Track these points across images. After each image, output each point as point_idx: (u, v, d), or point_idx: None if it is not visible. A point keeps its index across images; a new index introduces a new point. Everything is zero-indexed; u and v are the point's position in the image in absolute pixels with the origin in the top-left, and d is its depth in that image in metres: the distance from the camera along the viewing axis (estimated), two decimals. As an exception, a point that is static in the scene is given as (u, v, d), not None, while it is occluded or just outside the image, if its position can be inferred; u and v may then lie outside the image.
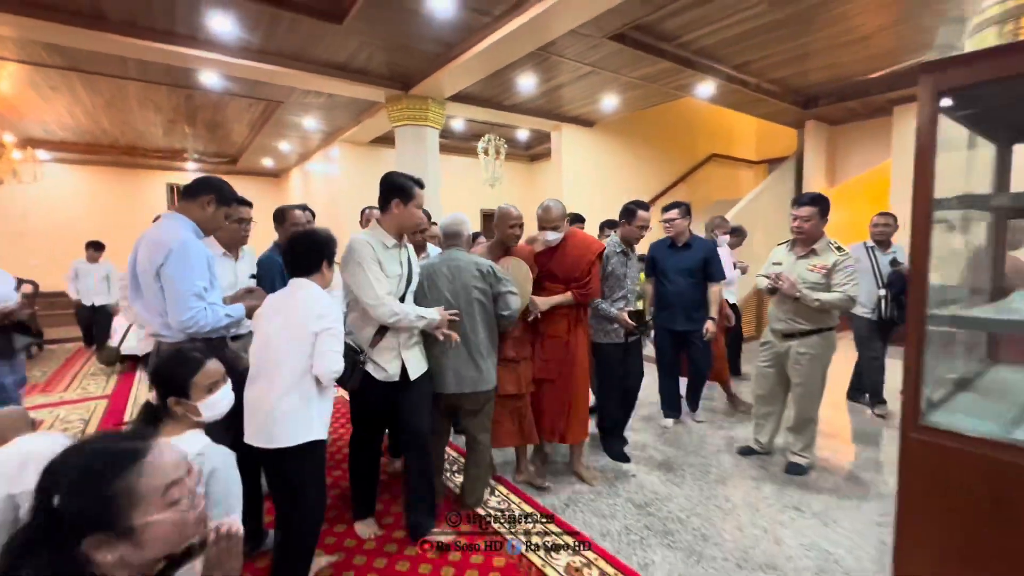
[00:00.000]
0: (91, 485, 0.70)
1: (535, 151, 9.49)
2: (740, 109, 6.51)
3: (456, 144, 8.50)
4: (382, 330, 2.03)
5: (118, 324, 5.47)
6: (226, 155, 9.62)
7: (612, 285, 2.85)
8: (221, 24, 3.85)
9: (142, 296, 1.98)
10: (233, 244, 2.36)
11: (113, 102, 6.19)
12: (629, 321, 2.73)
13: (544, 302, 2.53)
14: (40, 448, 1.16)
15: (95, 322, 5.91)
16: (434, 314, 2.07)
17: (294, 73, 4.72)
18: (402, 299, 2.06)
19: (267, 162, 10.04)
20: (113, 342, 5.40)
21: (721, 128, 8.80)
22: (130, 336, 5.33)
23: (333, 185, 8.13)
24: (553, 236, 2.60)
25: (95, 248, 5.74)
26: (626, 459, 2.90)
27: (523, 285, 2.46)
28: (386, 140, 7.47)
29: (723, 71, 5.27)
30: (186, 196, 2.03)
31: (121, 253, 6.18)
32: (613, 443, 2.94)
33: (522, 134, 8.42)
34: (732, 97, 5.94)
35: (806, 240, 2.69)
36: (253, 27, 3.96)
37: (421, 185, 2.11)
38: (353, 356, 1.92)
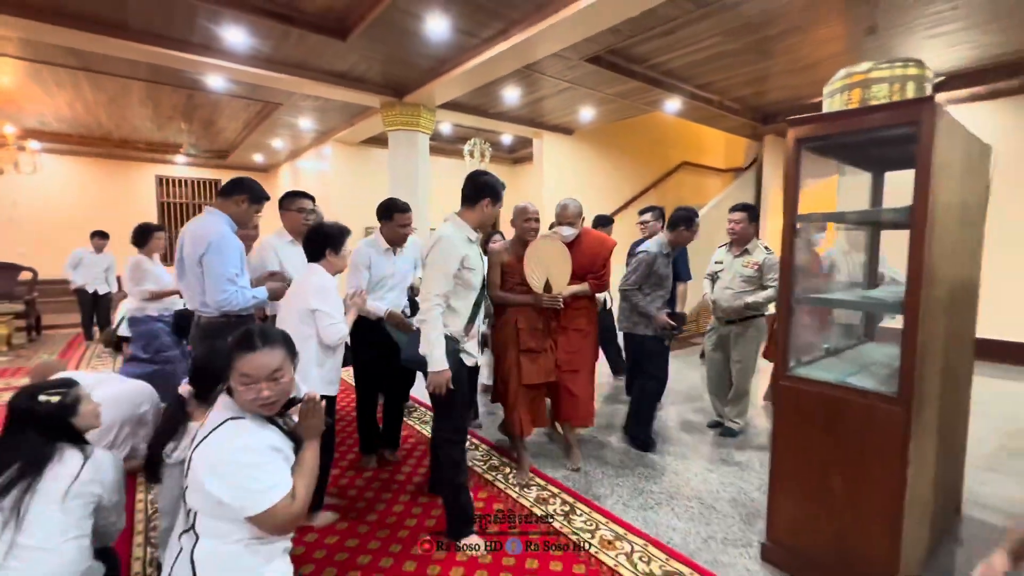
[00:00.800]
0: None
1: (518, 155, 9.99)
2: (704, 123, 7.13)
3: (443, 146, 8.95)
4: (471, 321, 2.17)
5: (123, 309, 5.77)
6: (218, 150, 9.86)
7: (654, 284, 3.05)
8: (235, 36, 4.24)
9: (186, 277, 2.42)
10: (297, 232, 2.72)
11: (116, 99, 6.47)
12: (669, 320, 2.97)
13: (569, 291, 2.72)
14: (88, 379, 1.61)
15: (96, 309, 6.16)
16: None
17: (297, 80, 5.13)
18: (482, 292, 2.22)
19: (257, 157, 10.31)
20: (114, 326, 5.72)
21: (691, 138, 9.44)
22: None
23: (325, 182, 8.49)
24: (569, 231, 2.78)
25: (100, 237, 5.98)
26: (653, 446, 3.10)
27: (560, 264, 2.62)
28: (377, 141, 7.87)
29: (688, 90, 5.86)
30: (223, 194, 2.46)
31: (111, 243, 6.47)
32: (640, 432, 3.15)
33: (506, 139, 8.91)
34: (697, 113, 6.55)
35: (739, 241, 3.25)
36: (264, 39, 4.36)
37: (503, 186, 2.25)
38: (453, 346, 2.08)
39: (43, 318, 6.94)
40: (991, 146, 2.19)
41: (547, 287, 2.60)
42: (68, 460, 1.43)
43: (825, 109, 1.87)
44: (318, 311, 2.09)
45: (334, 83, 5.30)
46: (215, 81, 5.56)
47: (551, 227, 3.86)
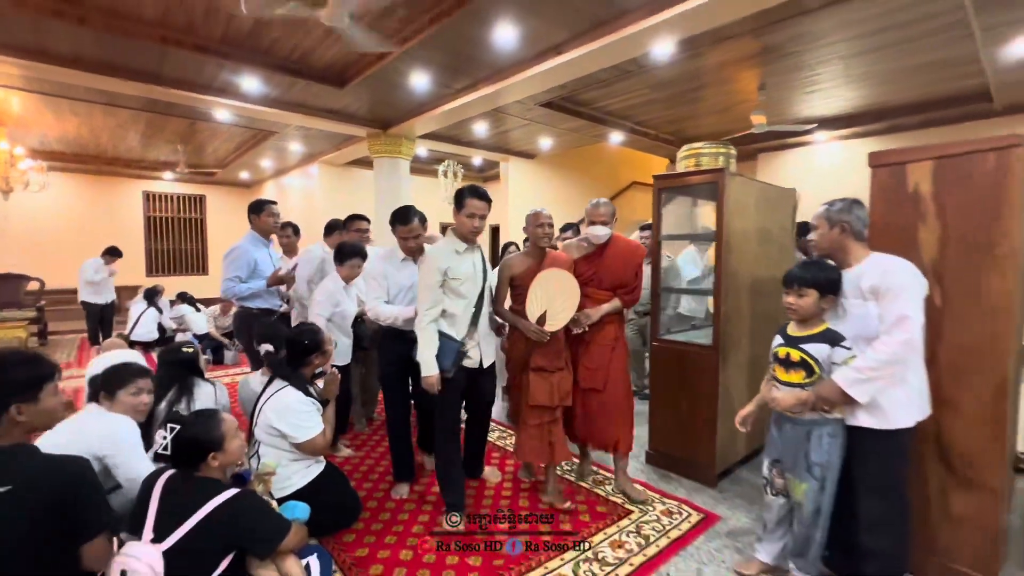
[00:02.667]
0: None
1: (487, 174, 11.03)
2: (645, 151, 8.36)
3: (421, 167, 9.90)
4: (473, 324, 2.31)
5: (132, 314, 6.44)
6: (206, 167, 10.52)
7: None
8: (251, 83, 5.12)
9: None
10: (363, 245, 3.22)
11: (124, 124, 7.18)
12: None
13: (596, 312, 2.48)
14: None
15: (103, 317, 6.77)
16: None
17: (296, 115, 6.02)
18: (481, 295, 2.33)
19: (243, 175, 11.00)
20: (124, 331, 6.41)
21: (640, 161, 10.68)
22: (140, 325, 6.35)
23: (312, 201, 9.31)
24: (604, 231, 2.53)
25: (111, 254, 6.61)
26: None
27: (564, 300, 2.35)
28: (361, 162, 8.77)
29: (628, 126, 7.03)
30: (252, 211, 3.40)
31: (87, 258, 7.13)
32: None
33: (477, 160, 9.94)
34: (638, 144, 7.74)
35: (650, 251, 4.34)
36: (275, 86, 5.25)
37: (477, 194, 2.26)
38: (456, 347, 2.23)
39: (53, 326, 7.49)
40: (794, 189, 3.33)
41: (542, 319, 2.34)
42: (203, 385, 2.33)
43: (678, 169, 2.95)
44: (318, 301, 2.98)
45: (327, 118, 6.21)
46: (222, 114, 6.38)
47: (574, 227, 4.29)
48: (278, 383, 2.19)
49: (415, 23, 3.94)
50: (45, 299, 7.38)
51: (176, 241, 11.57)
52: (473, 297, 2.30)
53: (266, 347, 2.62)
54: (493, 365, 2.52)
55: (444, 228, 11.16)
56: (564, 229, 4.67)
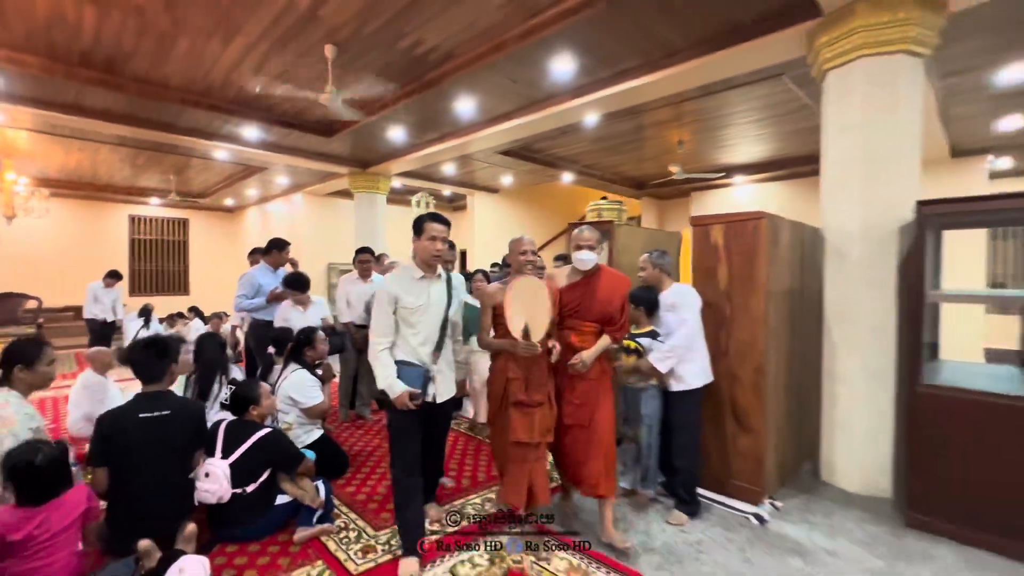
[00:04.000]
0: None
1: (456, 204, 12.07)
2: (596, 188, 9.55)
3: (396, 197, 10.83)
4: (437, 350, 2.30)
5: (129, 330, 7.09)
6: (194, 194, 11.23)
7: None
8: (251, 133, 6.04)
9: (251, 299, 4.22)
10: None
11: (125, 159, 7.94)
12: None
13: (591, 353, 2.34)
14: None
15: (104, 334, 7.36)
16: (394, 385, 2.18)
17: (287, 157, 6.94)
18: (443, 325, 2.31)
19: (228, 201, 11.75)
20: (124, 344, 7.06)
21: (595, 194, 11.92)
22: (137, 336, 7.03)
23: (295, 228, 10.13)
24: (589, 257, 2.42)
25: (112, 276, 7.25)
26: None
27: (538, 306, 2.25)
28: (343, 193, 9.68)
29: (577, 168, 8.19)
30: (275, 247, 4.32)
31: (87, 277, 7.85)
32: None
33: (447, 191, 10.98)
34: (587, 183, 8.92)
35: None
36: (272, 135, 6.18)
37: (436, 218, 2.29)
38: (422, 370, 2.23)
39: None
40: (679, 232, 4.42)
41: (527, 333, 2.23)
42: (232, 366, 3.20)
43: (587, 219, 4.00)
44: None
45: (314, 159, 7.15)
46: (221, 154, 7.24)
47: (565, 257, 5.04)
48: (292, 366, 3.09)
49: (393, 97, 4.96)
50: (43, 316, 7.92)
51: (159, 262, 12.14)
52: (431, 326, 2.27)
53: (271, 348, 3.50)
54: (449, 403, 2.43)
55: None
56: (557, 259, 5.19)
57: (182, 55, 4.20)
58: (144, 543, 1.92)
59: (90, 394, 3.87)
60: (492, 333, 2.44)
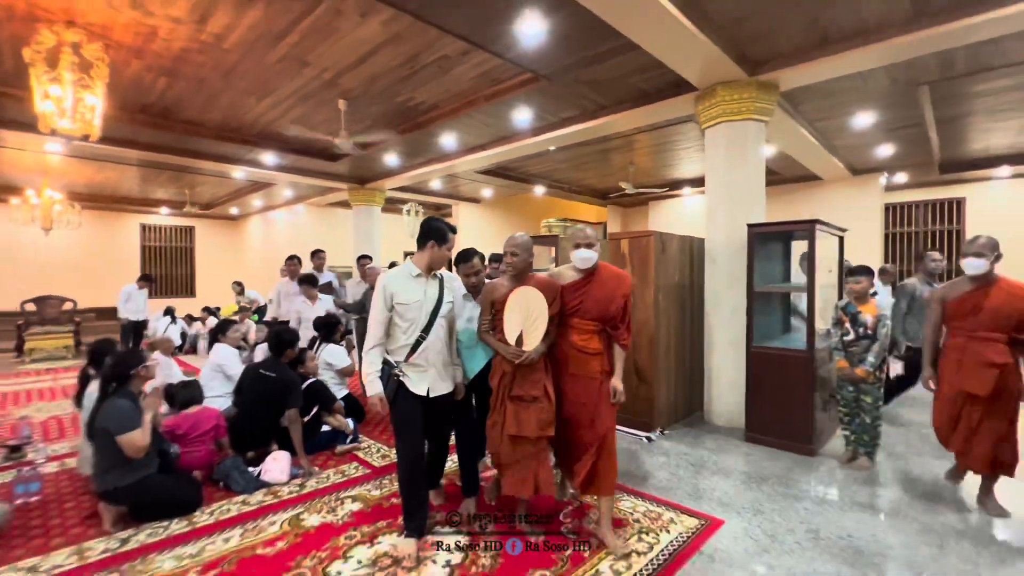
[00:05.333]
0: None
1: (443, 212, 13.25)
2: (567, 199, 10.82)
3: (387, 206, 12.01)
4: (413, 351, 2.33)
5: (158, 328, 8.17)
6: (202, 204, 12.27)
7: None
8: (269, 159, 7.19)
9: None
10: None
11: (149, 176, 9.01)
12: None
13: (618, 379, 2.41)
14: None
15: (135, 331, 8.40)
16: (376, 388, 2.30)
17: (296, 177, 8.09)
18: (430, 323, 2.34)
19: (233, 210, 12.80)
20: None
21: (566, 202, 13.22)
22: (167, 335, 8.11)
23: (298, 235, 11.25)
24: (588, 255, 2.40)
25: (144, 280, 8.31)
26: None
27: (533, 316, 2.32)
28: (342, 203, 10.82)
29: (547, 182, 9.45)
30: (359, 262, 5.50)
31: (103, 282, 9.03)
32: None
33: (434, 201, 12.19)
34: (557, 194, 10.19)
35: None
36: (286, 160, 7.34)
37: (454, 231, 2.43)
38: (388, 369, 2.32)
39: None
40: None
41: (520, 340, 2.33)
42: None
43: (540, 233, 5.25)
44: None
45: (318, 178, 8.31)
46: (238, 174, 8.37)
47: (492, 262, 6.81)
48: (326, 344, 4.29)
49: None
50: (78, 316, 8.96)
51: (168, 267, 13.15)
52: (418, 323, 2.33)
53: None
54: (450, 396, 2.49)
55: (407, 253, 13.36)
56: (491, 260, 6.72)
57: (224, 106, 5.36)
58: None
59: (160, 371, 5.01)
60: (492, 329, 2.49)
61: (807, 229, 3.70)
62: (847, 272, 3.58)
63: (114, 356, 2.80)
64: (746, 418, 3.97)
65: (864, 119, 5.51)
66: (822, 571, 2.23)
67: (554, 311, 2.38)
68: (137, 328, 8.35)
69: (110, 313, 10.60)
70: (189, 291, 13.41)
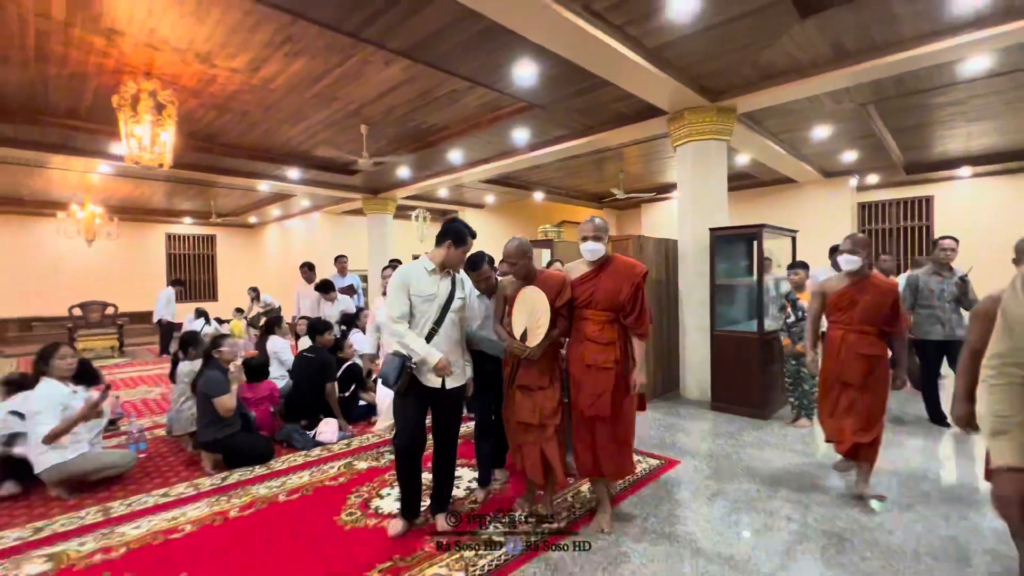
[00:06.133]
0: None
1: (449, 217, 14.07)
2: (562, 203, 11.59)
3: (397, 213, 12.81)
4: (427, 341, 2.43)
5: (194, 328, 8.97)
6: (224, 214, 13.11)
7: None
8: (294, 173, 7.99)
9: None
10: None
11: (180, 190, 9.84)
12: None
13: (639, 372, 2.46)
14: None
15: (171, 332, 9.20)
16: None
17: (316, 189, 8.89)
18: (441, 317, 2.43)
19: (252, 219, 13.65)
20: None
21: (564, 206, 13.97)
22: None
23: (314, 241, 12.06)
24: (596, 247, 2.47)
25: (178, 283, 9.14)
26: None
27: (536, 315, 2.44)
28: (355, 212, 11.63)
29: (546, 188, 10.22)
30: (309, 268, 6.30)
31: (135, 288, 9.91)
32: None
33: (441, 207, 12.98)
34: (555, 199, 10.97)
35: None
36: (308, 175, 8.14)
37: (474, 235, 2.54)
38: (403, 361, 2.36)
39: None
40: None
41: (524, 336, 2.47)
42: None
43: (539, 236, 6.01)
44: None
45: (336, 189, 9.12)
46: (263, 187, 9.18)
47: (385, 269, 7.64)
48: (355, 331, 5.08)
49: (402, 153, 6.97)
50: (119, 320, 9.81)
51: (191, 273, 14.01)
52: (430, 316, 2.42)
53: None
54: (462, 389, 2.58)
55: (415, 257, 14.12)
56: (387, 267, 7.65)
57: (260, 132, 6.16)
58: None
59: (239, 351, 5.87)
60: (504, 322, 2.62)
61: (756, 231, 4.45)
62: (787, 267, 4.32)
63: (209, 340, 3.61)
64: (712, 390, 4.72)
65: (823, 132, 6.25)
66: (744, 488, 3.00)
67: (562, 302, 2.48)
68: (173, 329, 9.17)
69: (142, 316, 11.50)
70: (212, 295, 14.25)
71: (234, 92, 4.88)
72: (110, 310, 9.70)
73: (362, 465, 3.42)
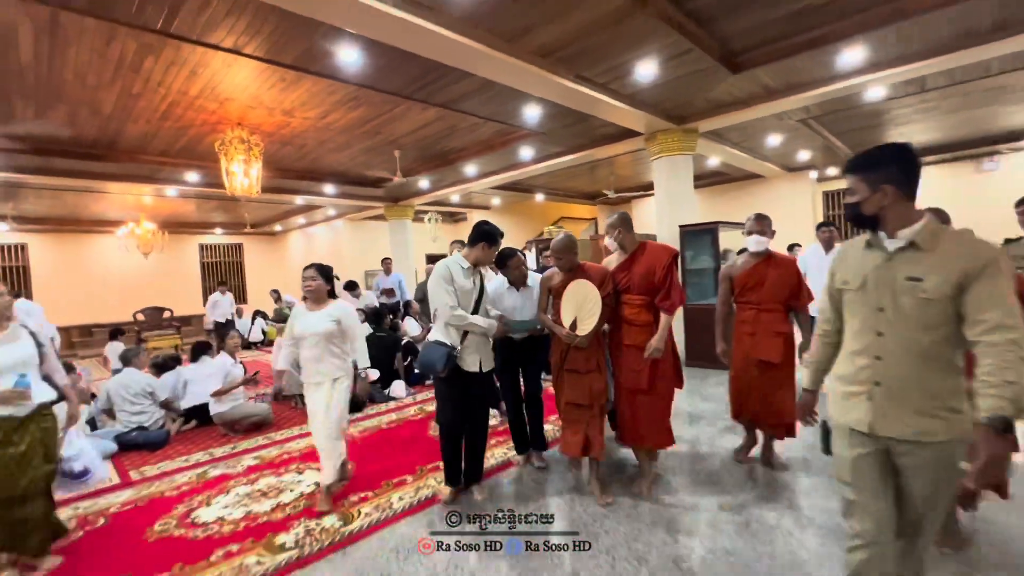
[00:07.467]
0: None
1: (458, 218, 15.36)
2: (561, 202, 12.89)
3: (413, 217, 14.14)
4: (464, 335, 2.70)
5: (243, 327, 10.28)
6: (256, 224, 14.35)
7: None
8: (330, 189, 9.27)
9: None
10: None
11: (219, 204, 11.10)
12: None
13: (658, 338, 2.62)
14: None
15: (224, 332, 10.46)
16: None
17: (345, 201, 10.18)
18: (475, 309, 2.74)
19: (277, 227, 14.92)
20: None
21: (563, 205, 15.27)
22: (252, 333, 10.25)
23: (338, 246, 13.35)
24: (610, 241, 2.84)
25: (223, 285, 10.43)
26: None
27: (587, 307, 2.62)
28: (377, 217, 12.92)
29: (546, 189, 11.52)
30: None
31: (176, 295, 11.26)
32: None
33: (451, 209, 14.27)
34: (555, 199, 12.27)
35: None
36: (338, 189, 9.42)
37: (502, 235, 2.89)
38: (447, 350, 2.64)
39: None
40: (601, 236, 7.75)
41: (574, 325, 2.66)
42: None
43: (546, 234, 7.32)
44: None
45: (361, 200, 10.40)
46: (299, 201, 10.46)
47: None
48: (407, 318, 6.40)
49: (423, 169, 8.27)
50: (176, 322, 11.14)
51: (223, 279, 15.29)
52: (468, 308, 2.70)
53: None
54: (491, 373, 2.91)
55: (429, 258, 15.48)
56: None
57: (311, 159, 7.45)
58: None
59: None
60: (549, 313, 2.89)
61: (713, 227, 5.78)
62: (736, 252, 5.65)
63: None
64: (686, 351, 6.06)
65: (776, 139, 7.55)
66: (701, 408, 4.35)
67: (606, 291, 2.69)
68: (225, 328, 10.45)
69: (187, 319, 12.79)
70: (241, 299, 15.53)
71: (302, 132, 6.17)
72: (166, 314, 11.01)
73: (431, 408, 4.79)
